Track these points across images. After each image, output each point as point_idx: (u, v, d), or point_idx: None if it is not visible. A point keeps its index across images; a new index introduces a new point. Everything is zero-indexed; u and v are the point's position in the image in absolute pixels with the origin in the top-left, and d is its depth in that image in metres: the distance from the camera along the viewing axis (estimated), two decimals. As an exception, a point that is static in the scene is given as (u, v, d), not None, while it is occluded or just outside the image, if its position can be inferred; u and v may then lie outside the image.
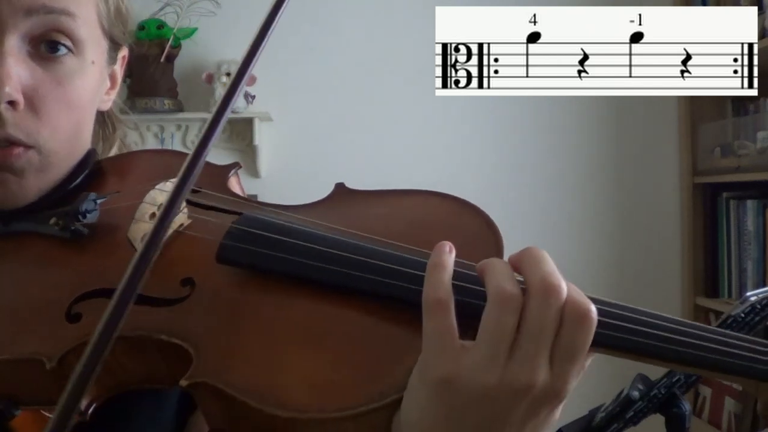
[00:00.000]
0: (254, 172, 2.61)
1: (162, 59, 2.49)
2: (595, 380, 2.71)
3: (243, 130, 2.59)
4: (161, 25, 2.51)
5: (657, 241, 2.62)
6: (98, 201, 0.66)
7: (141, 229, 0.60)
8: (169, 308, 0.57)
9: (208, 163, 0.69)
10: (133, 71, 2.53)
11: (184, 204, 0.62)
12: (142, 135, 2.63)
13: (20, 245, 0.66)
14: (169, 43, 2.49)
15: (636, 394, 1.27)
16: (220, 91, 2.48)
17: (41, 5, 0.63)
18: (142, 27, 2.51)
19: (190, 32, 2.56)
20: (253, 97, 2.53)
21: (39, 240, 0.65)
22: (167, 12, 2.54)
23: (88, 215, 0.64)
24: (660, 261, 2.62)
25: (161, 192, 0.64)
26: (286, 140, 2.63)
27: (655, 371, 1.32)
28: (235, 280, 0.57)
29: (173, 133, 2.63)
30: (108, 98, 0.78)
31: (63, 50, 0.66)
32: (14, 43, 0.62)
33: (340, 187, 0.70)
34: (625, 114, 2.63)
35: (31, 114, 0.64)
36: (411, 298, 0.51)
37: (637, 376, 1.32)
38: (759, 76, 2.39)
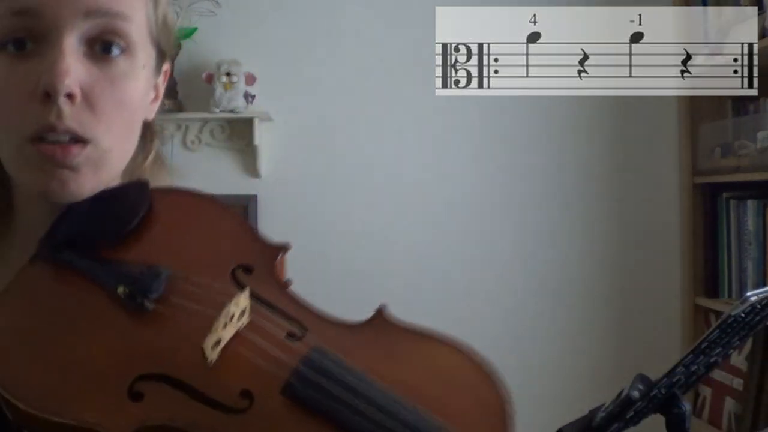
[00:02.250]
0: (254, 172, 2.61)
1: (162, 59, 2.49)
2: (595, 380, 2.72)
3: (243, 130, 2.59)
4: (161, 25, 2.51)
5: (657, 242, 2.62)
6: (166, 276, 0.65)
7: (214, 338, 0.61)
8: (226, 415, 0.57)
9: (258, 237, 0.74)
10: (133, 71, 2.53)
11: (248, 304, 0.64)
12: (142, 135, 2.63)
13: (75, 284, 0.65)
14: (169, 43, 2.49)
15: (636, 394, 1.27)
16: (220, 91, 2.48)
17: (98, 8, 0.66)
18: (142, 27, 2.51)
19: (190, 32, 2.55)
20: (253, 97, 2.53)
21: (95, 288, 0.64)
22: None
23: (156, 292, 0.64)
24: (660, 261, 2.62)
25: (236, 306, 0.63)
26: (286, 140, 2.63)
27: (655, 371, 1.32)
28: (292, 411, 0.58)
29: (173, 133, 2.63)
30: (152, 108, 0.79)
31: (116, 51, 0.68)
32: (72, 42, 0.65)
33: (381, 316, 0.68)
34: (625, 114, 2.62)
35: (87, 109, 0.66)
36: None
37: (637, 376, 1.32)
38: (759, 76, 2.39)
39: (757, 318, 1.24)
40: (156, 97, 0.80)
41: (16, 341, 0.62)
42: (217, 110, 2.50)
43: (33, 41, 0.65)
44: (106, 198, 0.71)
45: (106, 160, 0.69)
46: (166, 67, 0.81)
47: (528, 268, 2.63)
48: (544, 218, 2.63)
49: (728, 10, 2.35)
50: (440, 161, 2.62)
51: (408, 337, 0.67)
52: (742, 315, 1.22)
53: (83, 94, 0.66)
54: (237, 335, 0.62)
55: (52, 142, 0.65)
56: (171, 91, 2.54)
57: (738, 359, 2.21)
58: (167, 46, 0.79)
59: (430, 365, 0.66)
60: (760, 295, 1.22)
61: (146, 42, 0.73)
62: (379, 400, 0.59)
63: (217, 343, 0.60)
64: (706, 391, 2.38)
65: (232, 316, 0.61)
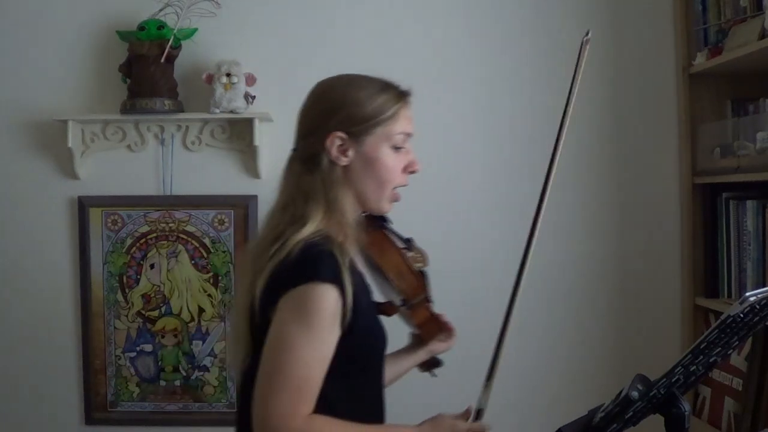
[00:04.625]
0: (254, 173, 2.61)
1: (162, 60, 2.49)
2: (595, 380, 2.72)
3: (243, 130, 2.59)
4: (161, 25, 2.52)
5: (657, 242, 2.62)
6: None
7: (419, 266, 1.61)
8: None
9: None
10: (133, 72, 2.53)
11: None
12: (142, 135, 2.63)
13: (390, 238, 1.59)
14: (170, 43, 2.49)
15: (635, 394, 1.27)
16: (220, 92, 2.48)
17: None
18: (142, 27, 2.52)
19: (190, 33, 2.56)
20: (253, 97, 2.53)
21: (392, 242, 1.57)
22: (167, 12, 2.54)
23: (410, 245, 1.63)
24: (660, 261, 2.62)
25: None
26: (286, 140, 2.59)
27: (655, 371, 1.32)
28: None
29: (173, 133, 2.63)
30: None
31: None
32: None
33: None
34: (625, 114, 2.63)
35: None
36: None
37: (636, 376, 1.32)
38: (759, 76, 2.40)
39: (756, 318, 1.24)
40: None
41: (400, 253, 1.55)
42: (218, 111, 2.51)
43: (404, 147, 1.49)
44: None
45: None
46: None
47: (527, 268, 2.63)
48: (544, 218, 2.63)
49: (728, 10, 2.35)
50: (440, 161, 2.62)
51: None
52: (741, 315, 1.23)
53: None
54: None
55: (397, 193, 1.51)
56: (171, 92, 2.54)
57: (738, 359, 2.22)
58: None
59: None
60: (759, 296, 1.22)
61: None
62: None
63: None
64: (705, 391, 2.38)
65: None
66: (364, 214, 1.51)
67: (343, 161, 1.43)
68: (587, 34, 1.65)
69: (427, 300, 1.59)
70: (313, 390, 1.31)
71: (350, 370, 1.39)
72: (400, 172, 1.47)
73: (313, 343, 1.31)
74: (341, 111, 1.44)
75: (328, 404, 1.33)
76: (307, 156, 1.47)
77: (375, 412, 1.50)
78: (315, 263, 1.33)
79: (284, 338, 1.31)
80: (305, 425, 1.29)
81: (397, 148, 1.46)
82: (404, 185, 1.49)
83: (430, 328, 1.61)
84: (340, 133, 1.43)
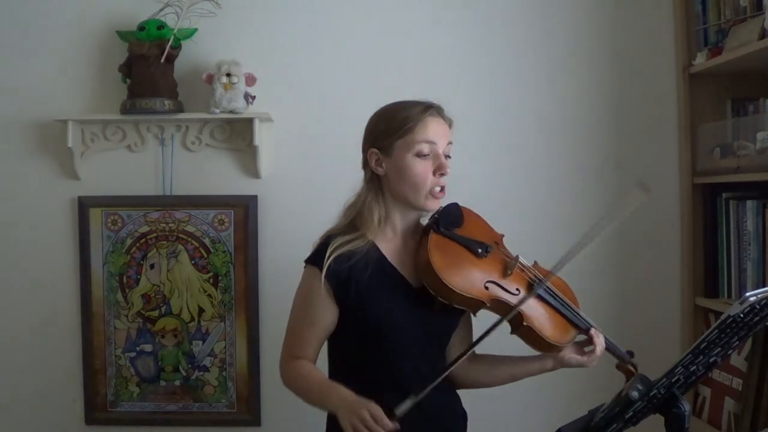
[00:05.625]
0: (254, 173, 2.61)
1: (162, 60, 2.49)
2: (595, 380, 2.71)
3: (243, 130, 2.59)
4: (161, 25, 2.52)
5: (657, 242, 2.62)
6: (486, 245, 1.82)
7: (511, 268, 1.80)
8: (513, 297, 1.76)
9: (492, 228, 1.91)
10: (133, 72, 2.53)
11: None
12: (142, 136, 2.63)
13: (452, 244, 1.77)
14: (170, 43, 2.49)
15: (635, 394, 1.27)
16: (220, 92, 2.48)
17: (449, 142, 1.79)
18: (142, 28, 2.52)
19: (190, 33, 2.56)
20: (254, 97, 2.53)
21: (462, 247, 1.77)
22: (167, 13, 2.54)
23: (487, 251, 1.80)
24: (660, 261, 2.62)
25: (515, 260, 1.82)
26: (286, 140, 2.63)
27: (655, 371, 1.32)
28: (537, 300, 1.81)
29: (173, 133, 2.63)
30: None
31: (449, 158, 1.79)
32: (444, 154, 1.77)
33: (537, 264, 1.87)
34: (625, 114, 2.63)
35: (446, 179, 1.78)
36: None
37: (636, 376, 1.32)
38: (759, 76, 2.40)
39: (756, 318, 1.24)
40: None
41: (445, 262, 1.68)
42: (218, 111, 2.50)
43: (431, 154, 1.74)
44: (449, 209, 1.82)
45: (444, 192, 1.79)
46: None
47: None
48: (544, 218, 2.63)
49: (728, 10, 2.35)
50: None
51: (548, 272, 1.79)
52: (741, 315, 1.23)
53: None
54: (516, 269, 1.77)
55: (438, 190, 1.76)
56: (171, 92, 2.54)
57: (738, 359, 2.22)
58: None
59: (562, 285, 1.87)
60: (759, 296, 1.22)
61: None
62: (557, 293, 1.81)
63: (509, 270, 1.75)
64: (705, 391, 2.38)
65: (515, 262, 1.77)
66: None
67: (380, 171, 1.76)
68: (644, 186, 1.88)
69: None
70: (302, 343, 1.75)
71: (348, 344, 1.75)
72: (431, 175, 1.73)
73: (301, 309, 1.78)
74: (375, 131, 1.78)
75: (336, 369, 1.79)
76: (364, 171, 1.81)
77: (377, 389, 1.63)
78: (314, 249, 1.77)
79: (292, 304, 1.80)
80: (289, 365, 1.77)
81: (422, 155, 1.72)
82: (440, 186, 1.75)
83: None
84: (374, 149, 1.75)
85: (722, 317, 1.21)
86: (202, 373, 2.64)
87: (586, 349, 1.81)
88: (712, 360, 1.24)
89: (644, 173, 2.62)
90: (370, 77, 2.61)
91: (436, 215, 1.80)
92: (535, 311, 1.75)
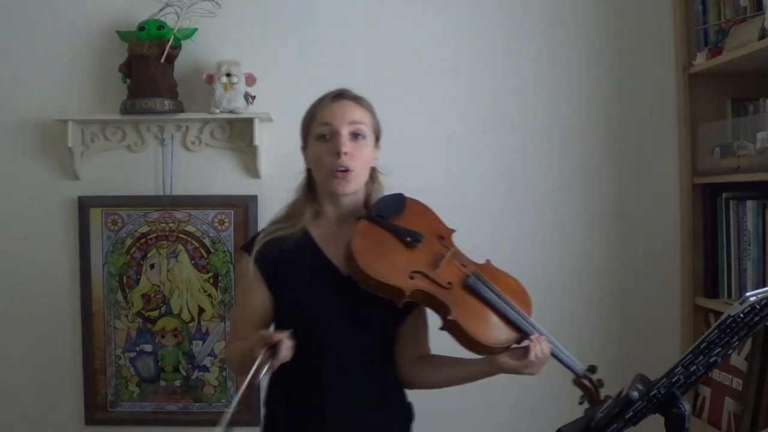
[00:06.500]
0: (254, 173, 2.61)
1: (162, 60, 2.49)
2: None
3: (243, 130, 2.59)
4: (161, 25, 2.52)
5: (657, 242, 2.62)
6: (421, 235, 1.79)
7: (444, 261, 1.75)
8: (443, 289, 1.68)
9: (442, 222, 1.86)
10: (133, 72, 2.53)
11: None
12: (142, 136, 2.63)
13: (382, 232, 1.74)
14: (169, 43, 2.49)
15: (635, 394, 1.27)
16: (220, 92, 2.48)
17: (353, 120, 1.78)
18: (142, 28, 2.51)
19: (190, 33, 2.56)
20: (254, 97, 2.53)
21: (391, 235, 1.74)
22: (167, 13, 2.54)
23: (419, 241, 1.76)
24: (660, 261, 2.62)
25: (449, 250, 1.79)
26: (286, 140, 2.61)
27: (655, 371, 1.31)
28: (468, 294, 1.71)
29: (173, 133, 2.63)
30: (375, 159, 1.84)
31: (361, 138, 1.78)
32: (345, 133, 1.75)
33: (489, 263, 1.83)
34: (626, 114, 2.63)
35: (351, 158, 1.74)
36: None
37: (636, 376, 1.32)
38: (759, 76, 2.40)
39: (757, 318, 1.24)
40: (376, 157, 1.84)
41: (367, 249, 1.67)
42: (218, 111, 2.50)
43: (330, 134, 1.76)
44: (390, 198, 1.81)
45: (357, 179, 1.77)
46: (379, 144, 1.85)
47: (527, 268, 2.61)
48: (544, 219, 2.63)
49: (728, 10, 2.35)
50: (442, 162, 2.62)
51: (501, 272, 1.81)
52: (741, 315, 1.23)
53: (350, 152, 1.74)
54: (447, 260, 1.72)
55: (338, 171, 1.73)
56: (171, 92, 2.54)
57: (738, 359, 2.22)
58: (378, 132, 1.84)
59: (517, 288, 1.80)
60: (759, 296, 1.22)
61: (371, 132, 1.81)
62: (500, 292, 1.72)
63: (440, 262, 1.71)
64: (705, 391, 2.38)
65: (447, 254, 1.74)
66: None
67: (308, 165, 1.85)
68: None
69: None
70: (242, 326, 1.79)
71: (279, 325, 1.76)
72: (327, 156, 1.75)
73: (238, 294, 2.08)
74: (300, 129, 1.87)
75: None
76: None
77: (305, 373, 1.70)
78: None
79: None
80: (229, 346, 1.97)
81: (322, 138, 1.77)
82: (340, 168, 1.73)
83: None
84: (302, 146, 1.87)
85: (722, 317, 1.20)
86: (202, 373, 2.64)
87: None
88: (712, 360, 1.24)
89: (644, 173, 2.63)
90: (370, 77, 2.61)
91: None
92: (464, 306, 1.68)
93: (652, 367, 1.46)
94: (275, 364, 1.53)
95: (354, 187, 1.77)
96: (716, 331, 1.21)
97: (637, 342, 2.62)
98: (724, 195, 2.38)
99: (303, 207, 1.83)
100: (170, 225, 2.62)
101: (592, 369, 1.79)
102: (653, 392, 1.25)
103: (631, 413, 1.27)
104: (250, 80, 2.52)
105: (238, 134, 2.61)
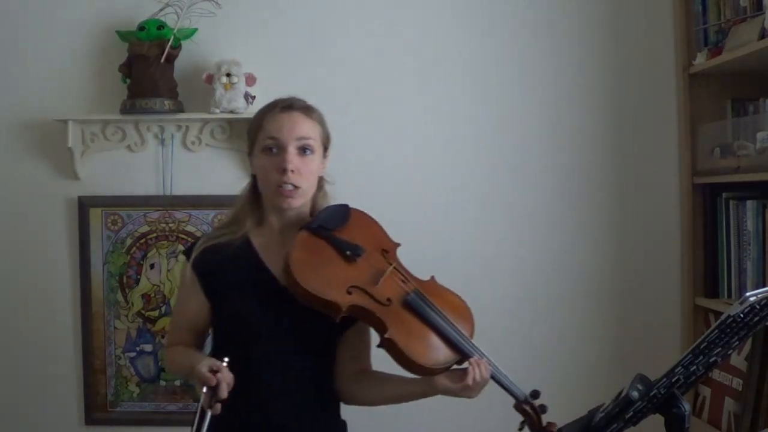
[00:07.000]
0: (254, 173, 2.61)
1: (162, 60, 2.49)
2: (595, 380, 2.70)
3: (243, 130, 2.58)
4: (161, 25, 2.51)
5: (657, 242, 2.62)
6: (363, 249, 1.74)
7: (384, 276, 1.71)
8: (381, 306, 1.63)
9: (388, 237, 1.81)
10: (133, 72, 2.53)
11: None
12: (142, 135, 2.63)
13: (322, 244, 1.70)
14: (169, 43, 2.49)
15: (635, 394, 1.27)
16: (220, 92, 2.48)
17: (301, 136, 1.73)
18: (142, 27, 2.51)
19: (190, 33, 2.56)
20: (254, 97, 2.53)
21: (332, 247, 1.71)
22: (167, 13, 2.54)
23: (360, 255, 1.73)
24: (660, 261, 2.62)
25: (390, 265, 1.75)
26: (286, 140, 2.62)
27: (655, 371, 1.31)
28: (407, 311, 1.66)
29: (173, 133, 2.63)
30: (323, 169, 1.80)
31: (309, 152, 1.74)
32: (292, 149, 1.71)
33: (434, 279, 1.79)
34: (626, 114, 2.62)
35: (298, 175, 1.70)
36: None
37: (636, 376, 1.32)
38: (759, 76, 2.40)
39: (756, 318, 1.24)
40: (323, 168, 1.80)
41: (304, 261, 1.63)
42: (218, 111, 2.50)
43: (277, 149, 1.72)
44: (334, 209, 1.77)
45: (305, 193, 1.74)
46: (328, 153, 1.81)
47: (528, 268, 2.63)
48: (544, 219, 2.63)
49: (728, 10, 2.35)
50: (442, 161, 2.62)
51: (445, 290, 1.76)
52: (741, 315, 1.23)
53: (296, 169, 1.70)
54: (387, 276, 1.68)
55: (284, 187, 1.70)
56: (171, 92, 2.54)
57: (738, 359, 2.22)
58: (327, 143, 1.80)
59: (461, 308, 1.75)
60: (759, 296, 1.22)
61: (319, 145, 1.77)
62: (441, 312, 1.68)
63: (380, 278, 1.66)
64: (705, 391, 2.38)
65: (388, 269, 1.69)
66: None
67: (253, 171, 1.82)
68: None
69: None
70: (177, 331, 1.85)
71: (217, 337, 1.82)
72: (274, 172, 1.71)
73: (176, 299, 2.02)
74: (246, 135, 1.85)
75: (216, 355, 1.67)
76: None
77: (243, 383, 1.60)
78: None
79: None
80: (168, 349, 1.90)
81: (268, 151, 1.73)
82: (285, 184, 1.69)
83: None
84: (248, 152, 1.83)
85: (722, 317, 1.21)
86: (202, 373, 2.64)
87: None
88: (712, 360, 1.24)
89: (644, 173, 2.63)
90: (369, 77, 2.61)
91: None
92: (402, 325, 1.63)
93: (652, 367, 1.46)
94: (217, 407, 1.51)
95: (301, 202, 1.74)
96: (716, 331, 1.21)
97: (637, 342, 2.62)
98: (724, 195, 2.38)
99: (245, 214, 1.78)
100: (170, 225, 2.62)
101: (534, 394, 1.72)
102: (653, 392, 1.26)
103: (631, 413, 1.27)
104: (250, 80, 2.52)
105: (238, 134, 2.60)
